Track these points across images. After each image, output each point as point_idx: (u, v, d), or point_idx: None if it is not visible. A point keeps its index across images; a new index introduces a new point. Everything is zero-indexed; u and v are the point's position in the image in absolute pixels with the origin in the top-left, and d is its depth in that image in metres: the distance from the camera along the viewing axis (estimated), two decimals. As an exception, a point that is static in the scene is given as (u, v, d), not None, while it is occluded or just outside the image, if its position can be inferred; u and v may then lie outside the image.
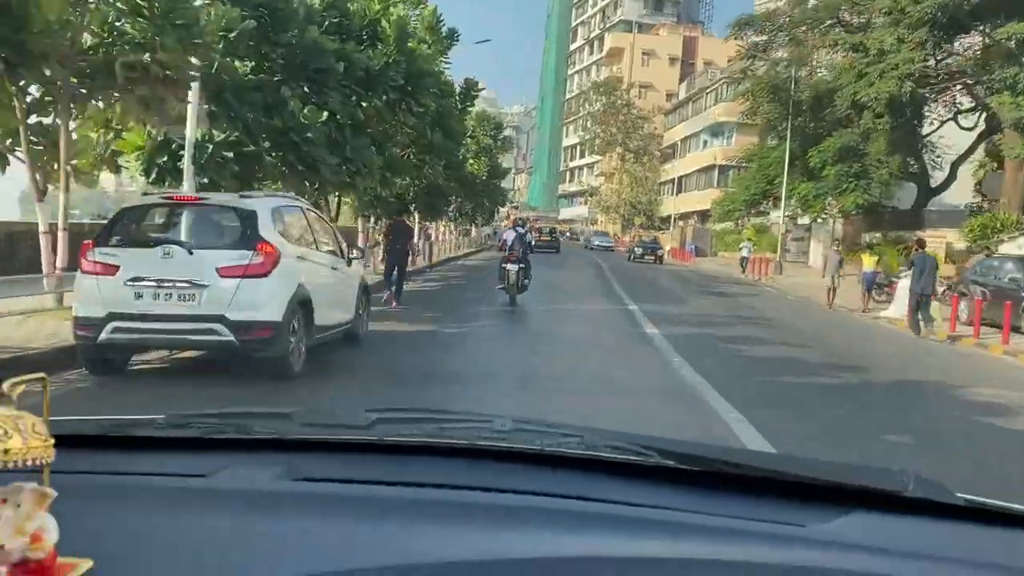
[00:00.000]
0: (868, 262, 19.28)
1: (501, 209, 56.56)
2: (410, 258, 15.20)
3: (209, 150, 11.49)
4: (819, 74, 32.38)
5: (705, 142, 58.51)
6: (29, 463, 0.76)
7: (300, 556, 0.88)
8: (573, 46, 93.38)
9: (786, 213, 34.71)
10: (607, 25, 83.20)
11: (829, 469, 1.23)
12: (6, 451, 0.74)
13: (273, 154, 12.95)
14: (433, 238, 32.52)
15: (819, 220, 35.47)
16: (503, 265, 14.79)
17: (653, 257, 40.89)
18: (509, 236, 15.48)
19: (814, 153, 29.95)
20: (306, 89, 13.78)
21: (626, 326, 13.37)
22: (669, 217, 62.00)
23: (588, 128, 73.10)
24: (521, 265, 14.64)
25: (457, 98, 23.23)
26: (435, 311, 13.76)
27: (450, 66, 21.98)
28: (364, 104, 15.27)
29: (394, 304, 14.13)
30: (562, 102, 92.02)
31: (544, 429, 1.40)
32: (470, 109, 23.88)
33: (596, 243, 54.45)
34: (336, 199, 18.28)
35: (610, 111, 68.34)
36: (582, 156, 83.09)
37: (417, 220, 27.42)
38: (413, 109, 16.47)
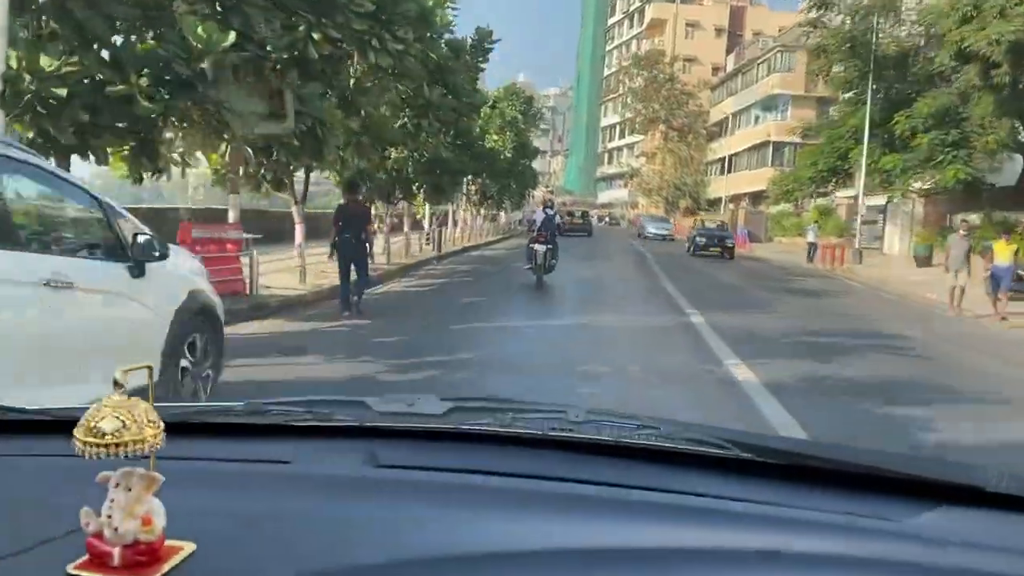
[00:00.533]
0: (1003, 252, 14.38)
1: (535, 193, 51.42)
2: (369, 248, 10.87)
3: (28, 84, 7.27)
4: (910, 22, 26.98)
5: (757, 117, 53.60)
6: (144, 451, 0.78)
7: (390, 542, 0.88)
8: (612, 20, 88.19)
9: (859, 192, 29.60)
10: (648, -5, 77.80)
11: (907, 463, 1.20)
12: (124, 440, 0.77)
13: (156, 97, 8.64)
14: (449, 224, 28.17)
15: (895, 200, 30.36)
16: (531, 245, 14.72)
17: (721, 249, 29.66)
18: (538, 217, 15.24)
19: (901, 119, 24.88)
20: (218, 7, 9.49)
21: (694, 365, 7.87)
22: (718, 200, 56.89)
23: (628, 105, 68.22)
24: (549, 246, 14.49)
25: (468, 52, 18.80)
26: (400, 331, 9.29)
27: (458, 12, 17.72)
28: (316, 36, 10.94)
29: (346, 315, 9.88)
30: (600, 80, 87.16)
31: (619, 420, 1.39)
32: (483, 66, 19.41)
33: (651, 230, 44.54)
34: (305, 174, 14.01)
35: (652, 86, 63.54)
36: (622, 136, 78.38)
37: (423, 202, 23.03)
38: (388, 47, 12.03)
